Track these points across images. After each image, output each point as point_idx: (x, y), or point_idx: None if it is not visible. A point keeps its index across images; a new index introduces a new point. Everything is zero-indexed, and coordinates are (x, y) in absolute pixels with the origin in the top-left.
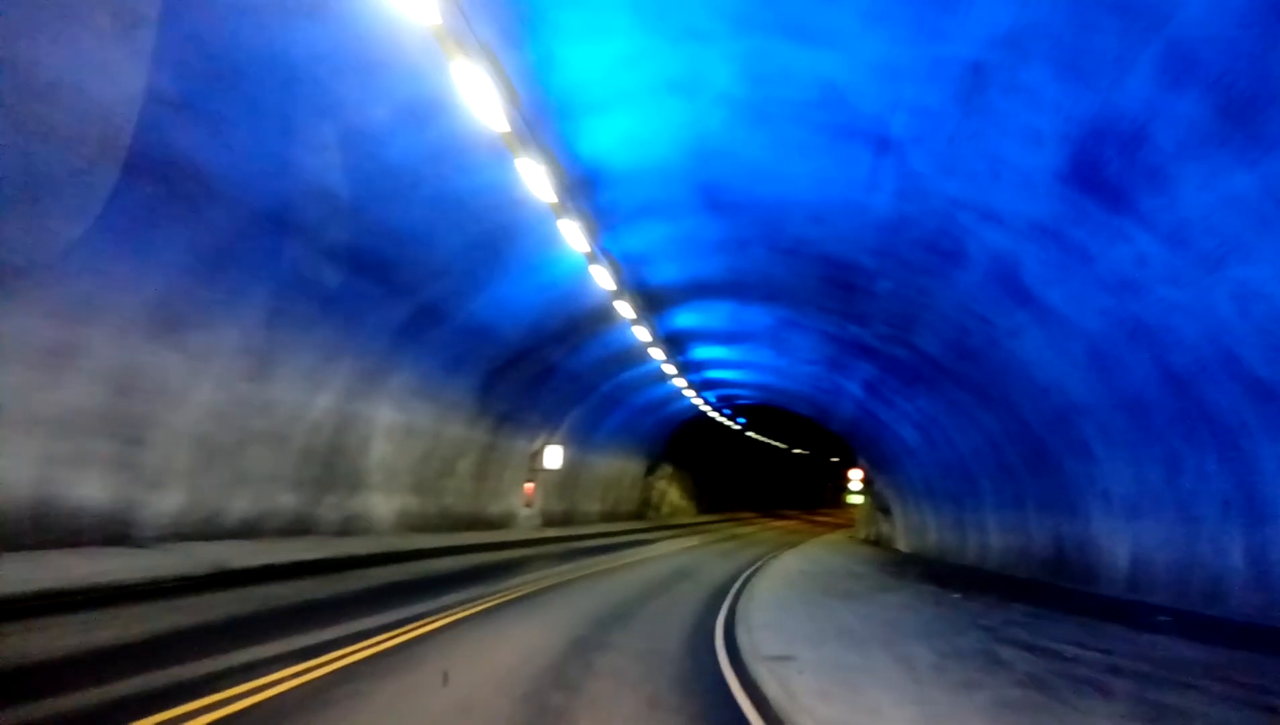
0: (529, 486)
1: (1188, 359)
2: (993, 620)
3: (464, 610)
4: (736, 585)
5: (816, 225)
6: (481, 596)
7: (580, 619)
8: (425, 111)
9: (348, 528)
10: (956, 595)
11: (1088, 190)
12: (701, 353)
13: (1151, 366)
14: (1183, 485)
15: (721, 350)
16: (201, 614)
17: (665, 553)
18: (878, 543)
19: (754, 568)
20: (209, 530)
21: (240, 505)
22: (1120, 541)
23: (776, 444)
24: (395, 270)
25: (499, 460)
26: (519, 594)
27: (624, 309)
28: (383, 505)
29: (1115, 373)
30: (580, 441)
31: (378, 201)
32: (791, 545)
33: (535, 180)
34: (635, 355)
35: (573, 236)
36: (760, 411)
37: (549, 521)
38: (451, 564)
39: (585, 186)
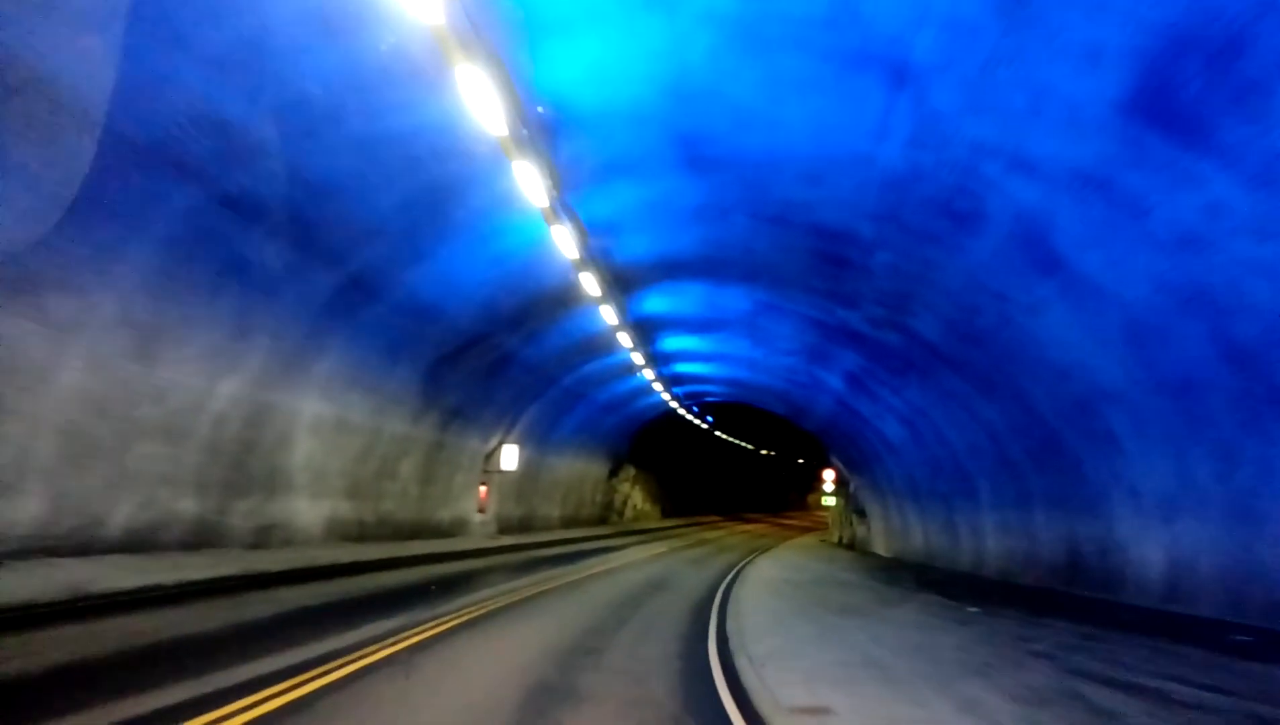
0: (482, 490)
1: (1257, 329)
2: (1042, 643)
3: (387, 646)
4: (718, 598)
5: (810, 186)
6: (415, 625)
7: (541, 653)
8: (342, 21)
9: (264, 538)
10: (974, 609)
11: (1153, 122)
12: (671, 343)
13: (1207, 340)
14: (1239, 480)
15: (693, 340)
16: (8, 662)
17: (633, 561)
18: (852, 547)
19: (732, 576)
20: (84, 544)
21: (124, 513)
22: (1152, 545)
23: (744, 445)
24: (316, 231)
25: (448, 461)
26: (465, 618)
27: (589, 284)
28: (309, 512)
29: (1157, 350)
30: (539, 441)
31: (290, 140)
32: (764, 550)
33: (485, 112)
34: (600, 344)
35: (530, 187)
36: (729, 410)
37: (505, 528)
38: (387, 580)
39: (545, 132)
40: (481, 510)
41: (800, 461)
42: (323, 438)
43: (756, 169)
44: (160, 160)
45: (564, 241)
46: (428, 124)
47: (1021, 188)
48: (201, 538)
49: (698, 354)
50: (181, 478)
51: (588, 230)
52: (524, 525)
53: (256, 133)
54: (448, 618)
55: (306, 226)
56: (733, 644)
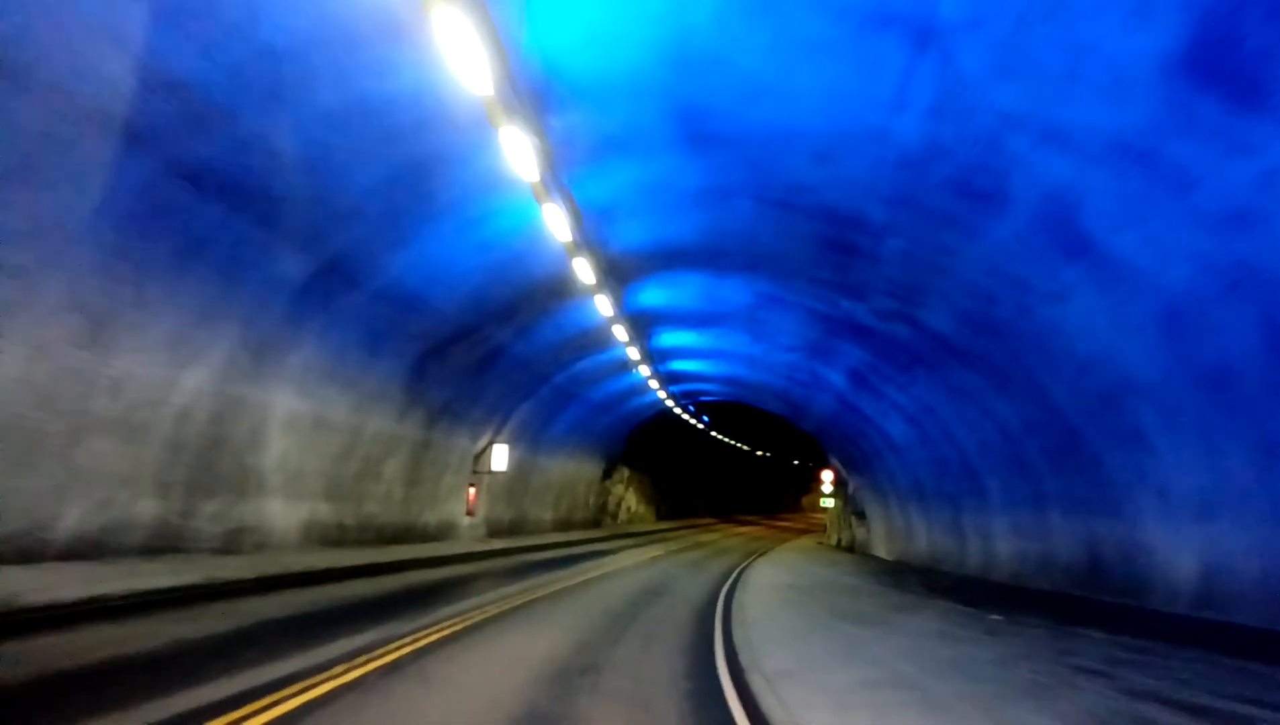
0: (471, 492)
1: None
2: (1085, 657)
3: (355, 668)
4: (720, 605)
5: (820, 165)
6: (390, 641)
7: (531, 673)
8: None
9: (234, 543)
10: (996, 616)
11: (1206, 83)
12: (668, 339)
13: (1254, 326)
14: None
15: (690, 336)
16: None
17: (628, 565)
18: (851, 549)
19: (732, 581)
20: (28, 550)
21: (75, 515)
22: (1183, 548)
23: (740, 446)
24: (287, 208)
25: (436, 461)
26: (447, 631)
27: (583, 271)
28: (284, 514)
29: (1195, 338)
30: (530, 441)
31: (256, 105)
32: (762, 553)
33: (469, 73)
34: (594, 340)
35: (519, 160)
36: (726, 409)
37: (495, 531)
38: (365, 589)
39: (536, 99)
40: (470, 513)
41: (795, 463)
42: (299, 435)
43: (762, 147)
44: (106, 124)
45: (556, 223)
46: (407, 90)
47: (1051, 163)
48: (164, 542)
49: (695, 351)
50: (141, 477)
51: (582, 213)
52: (515, 528)
53: (215, 95)
54: (428, 631)
55: (275, 203)
56: (743, 659)
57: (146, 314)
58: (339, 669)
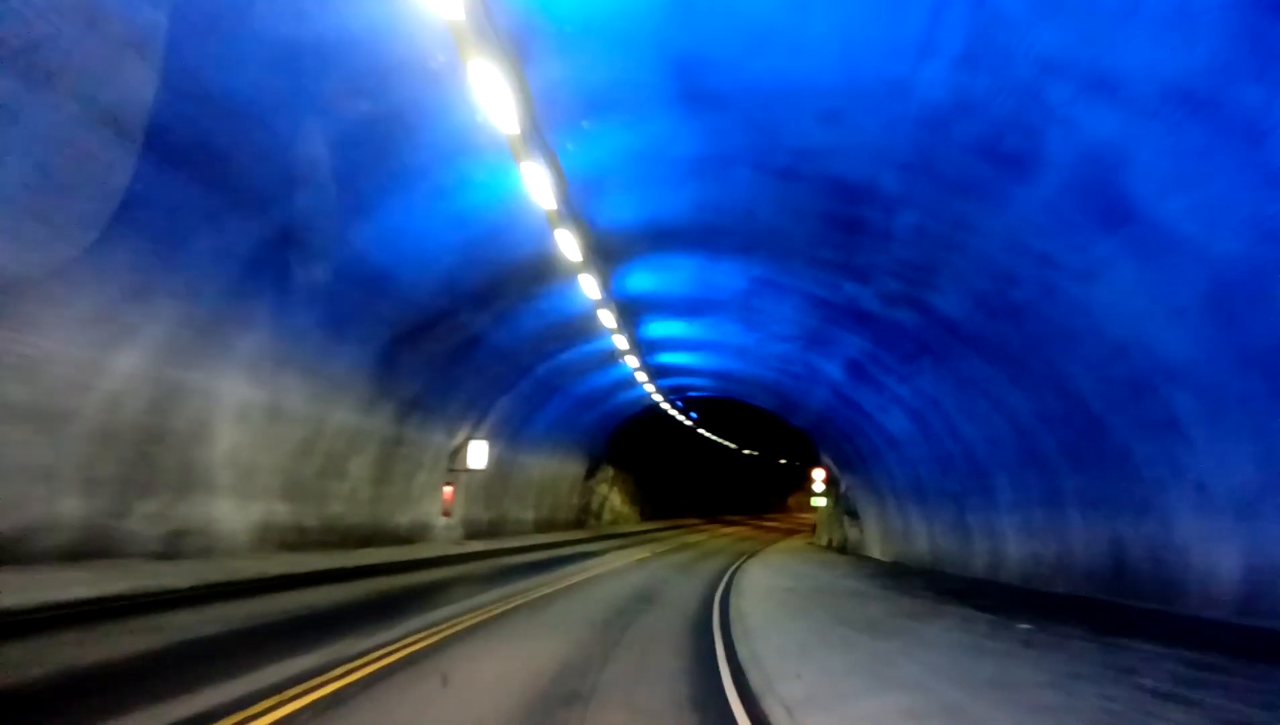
0: (447, 491)
1: None
2: (1152, 676)
3: (286, 702)
4: (717, 612)
5: (830, 127)
6: (338, 664)
7: (507, 704)
8: None
9: (175, 547)
10: (1025, 625)
11: None
12: (657, 329)
13: None
14: None
15: (680, 326)
16: None
17: (615, 568)
18: (843, 550)
19: (725, 585)
20: None
21: None
22: (1224, 548)
23: (727, 444)
24: (230, 166)
25: (408, 458)
26: (410, 649)
27: (567, 246)
28: (235, 515)
29: (1247, 315)
30: (510, 437)
31: (184, 37)
32: (752, 554)
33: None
34: (578, 328)
35: (496, 109)
36: (714, 406)
37: (473, 533)
38: (321, 598)
39: (516, 43)
40: (446, 513)
41: (782, 462)
42: (252, 427)
43: (767, 105)
44: (3, 56)
45: (538, 187)
46: (366, 28)
47: (1094, 117)
48: (91, 546)
49: (685, 342)
50: (62, 472)
51: (567, 180)
52: (494, 529)
53: (136, 22)
54: (385, 651)
55: (216, 158)
56: (753, 679)
57: (67, 285)
58: (262, 706)
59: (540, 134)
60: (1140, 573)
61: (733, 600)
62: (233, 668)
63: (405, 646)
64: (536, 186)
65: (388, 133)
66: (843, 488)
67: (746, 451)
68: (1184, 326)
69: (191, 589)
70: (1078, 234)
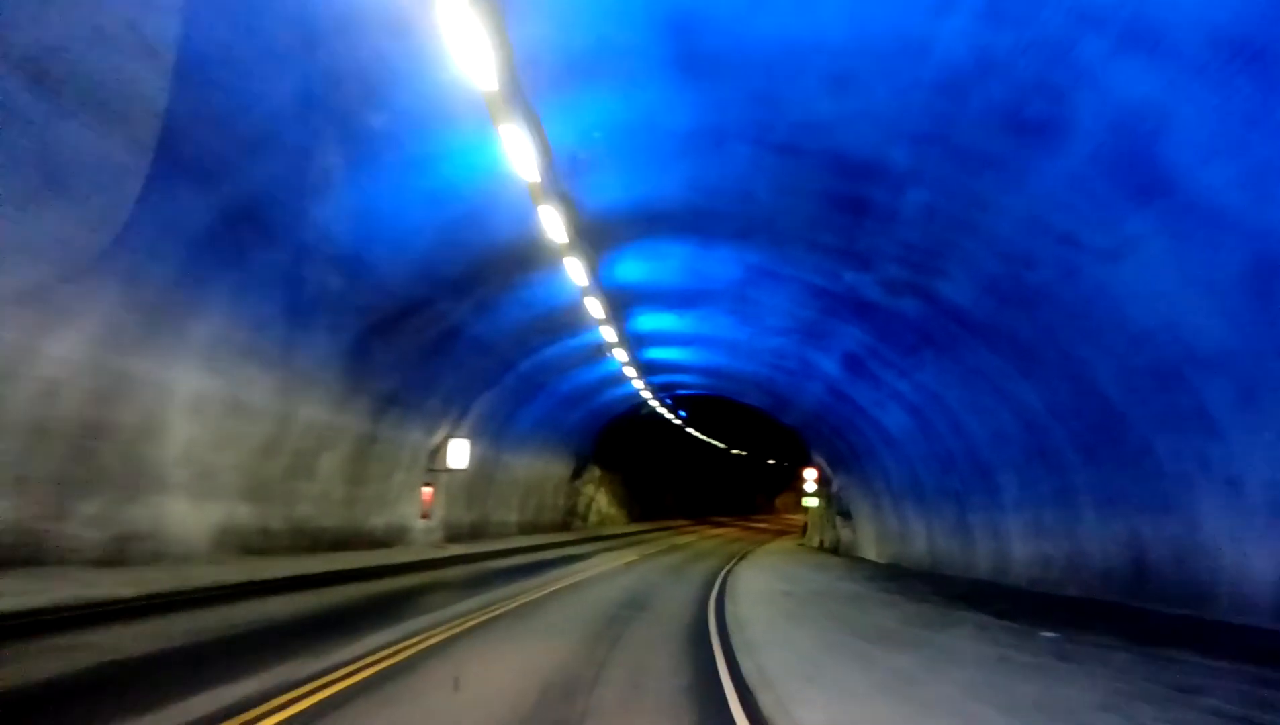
0: (427, 492)
1: None
2: (1222, 696)
3: None
4: (714, 620)
5: (837, 94)
6: (285, 690)
7: None
8: None
9: (121, 552)
10: (1049, 634)
11: None
12: (646, 323)
13: None
14: None
15: (670, 318)
16: None
17: (603, 571)
18: (836, 551)
19: (719, 588)
20: None
21: None
22: (1259, 548)
23: (716, 443)
24: (177, 128)
25: (385, 457)
26: (371, 670)
27: (552, 225)
28: (191, 518)
29: None
30: (493, 436)
31: None
32: (743, 556)
33: None
34: (564, 321)
35: (475, 66)
36: (703, 404)
37: (454, 536)
38: (281, 609)
39: None
40: (425, 516)
41: (770, 462)
42: (210, 422)
43: (768, 72)
44: None
45: (520, 156)
46: None
47: (1131, 74)
48: (23, 552)
49: (675, 336)
50: None
51: (552, 150)
52: (476, 532)
53: None
54: (343, 672)
55: (159, 118)
56: (765, 704)
57: None
58: None
59: (522, 95)
60: (1163, 575)
61: (729, 606)
62: (153, 699)
63: (366, 667)
64: (518, 156)
65: (351, 94)
66: (835, 487)
67: (735, 451)
68: (1220, 308)
69: (133, 599)
70: (1105, 209)
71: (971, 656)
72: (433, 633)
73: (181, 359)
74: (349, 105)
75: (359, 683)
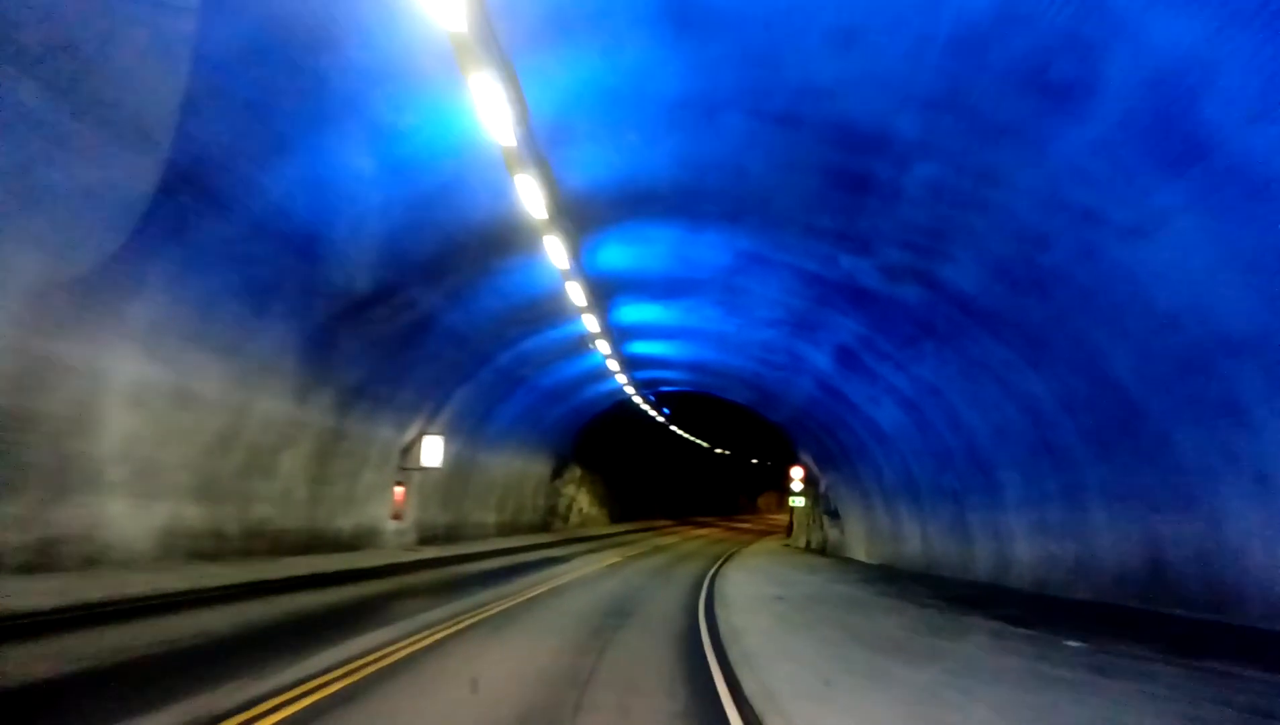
0: (398, 492)
1: None
2: None
3: None
4: (705, 628)
5: (842, 54)
6: (211, 723)
7: None
8: None
9: (48, 558)
10: (1074, 643)
11: None
12: (630, 314)
13: None
14: None
15: (655, 310)
16: None
17: (585, 575)
18: (823, 552)
19: (708, 592)
20: None
21: None
22: None
23: (699, 442)
24: (103, 78)
25: (352, 454)
26: (318, 696)
27: (530, 198)
28: (131, 519)
29: None
30: (469, 433)
31: None
32: (729, 557)
33: None
34: (544, 311)
35: (443, 6)
36: (687, 401)
37: (427, 538)
38: (225, 621)
39: None
40: (397, 517)
41: (754, 462)
42: (152, 414)
43: (767, 29)
44: None
45: (494, 116)
46: None
47: (1168, 25)
48: None
49: (660, 329)
50: None
51: (530, 113)
52: (452, 534)
53: None
54: (286, 698)
55: (83, 69)
56: None
57: None
58: None
59: (497, 43)
60: (1184, 576)
61: (720, 613)
62: None
63: (314, 690)
64: (492, 115)
65: (303, 45)
66: (823, 487)
67: (719, 450)
68: (1257, 288)
69: (52, 612)
70: (1132, 181)
71: (999, 672)
72: (393, 648)
73: (118, 344)
74: (301, 58)
75: (306, 708)
